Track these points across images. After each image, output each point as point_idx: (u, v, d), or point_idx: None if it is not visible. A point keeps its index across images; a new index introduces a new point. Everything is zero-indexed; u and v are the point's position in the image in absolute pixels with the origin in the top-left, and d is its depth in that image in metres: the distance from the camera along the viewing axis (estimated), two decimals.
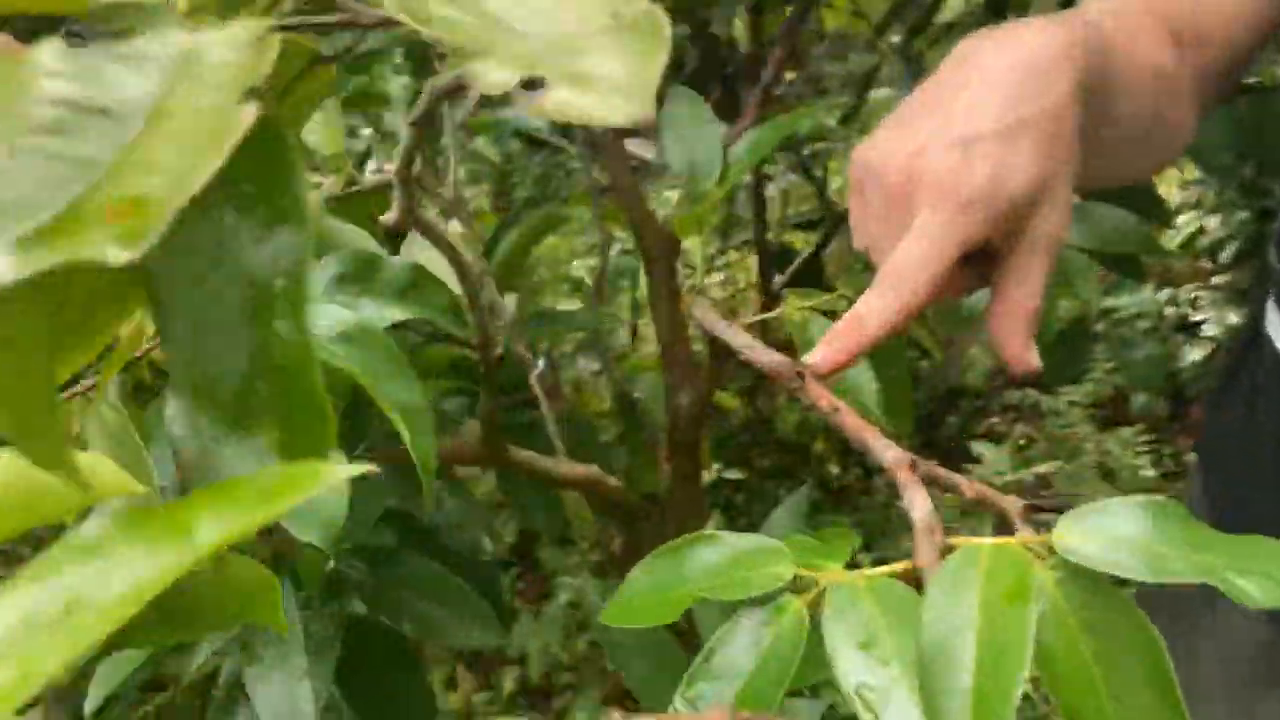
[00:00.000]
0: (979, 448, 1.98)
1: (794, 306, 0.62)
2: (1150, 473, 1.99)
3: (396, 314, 0.55)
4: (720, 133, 0.67)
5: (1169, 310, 2.00)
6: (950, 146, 0.38)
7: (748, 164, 0.65)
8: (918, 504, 0.31)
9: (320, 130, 0.75)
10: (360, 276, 0.55)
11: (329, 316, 0.52)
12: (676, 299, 0.90)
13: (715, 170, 0.66)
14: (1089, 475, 1.97)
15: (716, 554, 0.34)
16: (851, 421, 0.37)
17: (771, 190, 1.43)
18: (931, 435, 2.27)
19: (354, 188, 0.74)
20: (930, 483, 0.33)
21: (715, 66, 0.94)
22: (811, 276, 1.15)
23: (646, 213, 0.91)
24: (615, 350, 1.02)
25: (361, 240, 0.59)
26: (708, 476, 2.59)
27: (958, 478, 0.34)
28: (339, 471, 0.15)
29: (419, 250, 0.61)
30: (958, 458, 2.23)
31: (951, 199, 0.37)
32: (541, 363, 1.11)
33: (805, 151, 1.26)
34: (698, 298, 1.22)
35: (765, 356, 0.48)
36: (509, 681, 1.52)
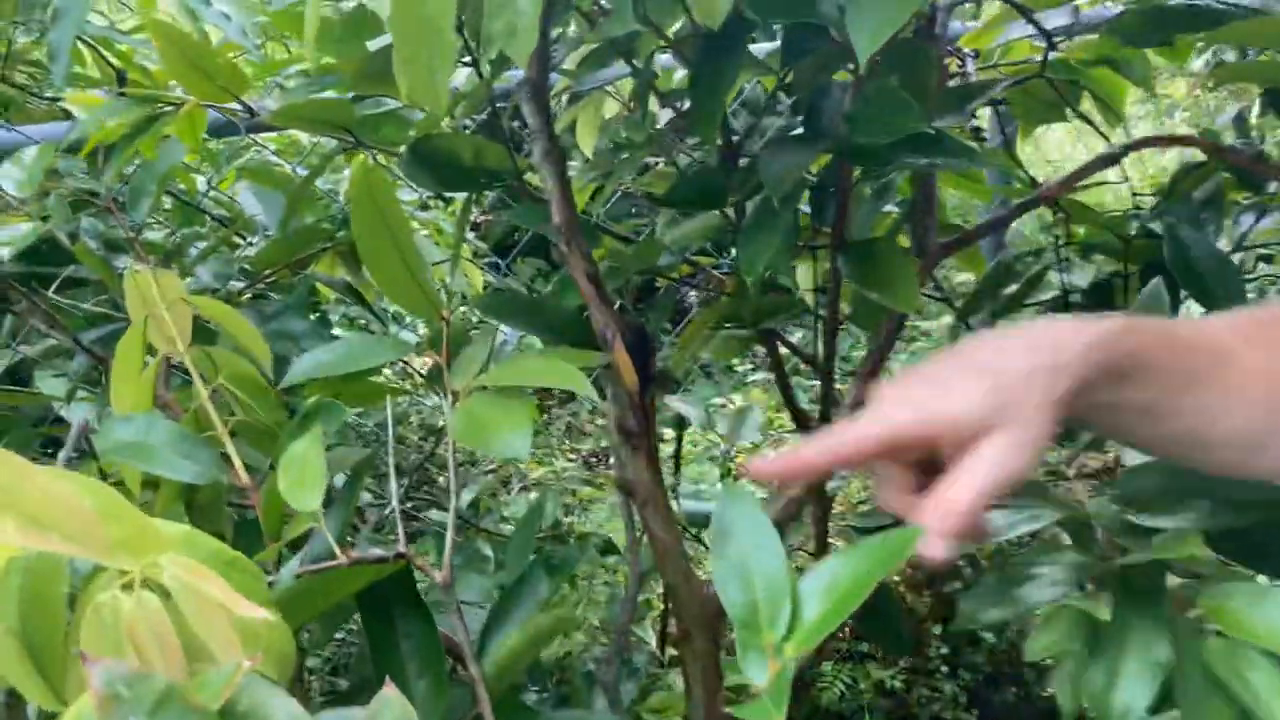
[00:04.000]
0: None
1: None
2: None
3: None
4: (783, 556, 0.47)
5: None
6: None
7: (832, 621, 0.44)
8: None
9: None
10: None
11: None
12: (716, 693, 0.68)
13: (782, 620, 0.45)
14: None
15: None
16: None
17: None
18: None
19: None
20: None
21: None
22: None
23: (687, 574, 0.71)
24: None
25: None
26: None
27: None
28: None
29: None
30: None
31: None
32: None
33: None
34: None
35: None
36: None
